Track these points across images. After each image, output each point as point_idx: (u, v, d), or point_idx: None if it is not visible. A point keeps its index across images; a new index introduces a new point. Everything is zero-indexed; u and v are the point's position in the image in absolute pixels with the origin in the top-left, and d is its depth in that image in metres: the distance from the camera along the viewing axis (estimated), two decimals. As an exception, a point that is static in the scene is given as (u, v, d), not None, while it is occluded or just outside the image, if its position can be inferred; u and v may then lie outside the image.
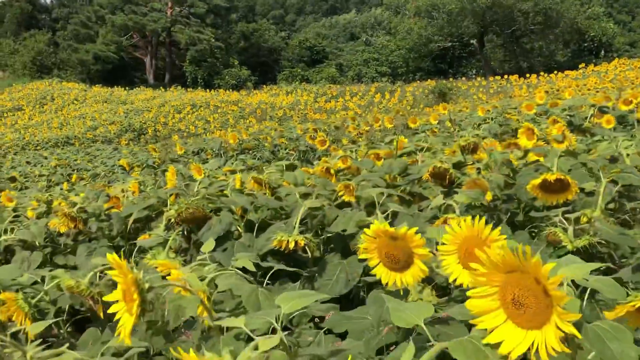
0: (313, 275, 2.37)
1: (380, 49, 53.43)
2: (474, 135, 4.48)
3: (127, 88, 45.36)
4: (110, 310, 1.11)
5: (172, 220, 2.63)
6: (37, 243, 3.21)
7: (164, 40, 57.99)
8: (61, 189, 4.96)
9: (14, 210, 3.79)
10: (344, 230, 2.49)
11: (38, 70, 55.00)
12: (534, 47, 46.06)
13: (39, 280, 2.33)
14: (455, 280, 1.36)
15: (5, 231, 3.59)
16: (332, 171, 3.49)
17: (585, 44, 44.85)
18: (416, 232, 1.33)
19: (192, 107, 31.45)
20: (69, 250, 3.20)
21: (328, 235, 2.54)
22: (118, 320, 1.84)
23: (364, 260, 2.28)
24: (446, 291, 1.93)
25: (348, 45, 63.89)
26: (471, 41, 45.71)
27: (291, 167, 4.30)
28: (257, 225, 2.84)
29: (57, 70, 55.30)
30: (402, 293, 1.41)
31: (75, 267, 3.02)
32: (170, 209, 2.64)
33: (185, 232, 2.76)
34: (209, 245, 1.67)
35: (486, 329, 0.90)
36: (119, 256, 1.17)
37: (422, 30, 45.93)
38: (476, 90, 28.86)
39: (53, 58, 56.65)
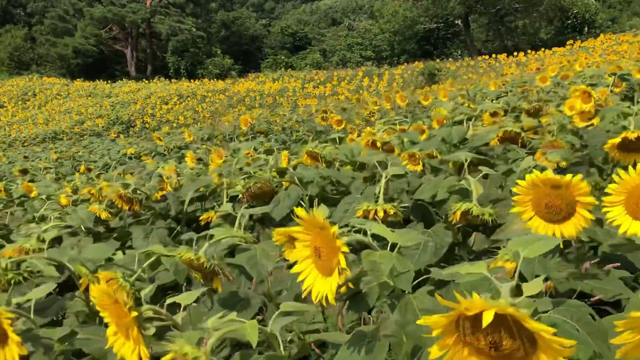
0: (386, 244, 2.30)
1: (363, 34, 53.14)
2: (496, 108, 4.43)
3: (109, 81, 44.68)
4: (293, 270, 1.02)
5: (240, 196, 2.54)
6: (82, 228, 3.10)
7: (144, 32, 57.02)
8: (89, 178, 4.82)
9: (48, 198, 3.66)
10: (419, 200, 2.43)
11: (16, 67, 53.93)
12: (517, 25, 46.05)
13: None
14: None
15: (42, 218, 3.48)
16: (378, 144, 3.41)
17: (569, 21, 44.95)
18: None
19: (179, 97, 31.08)
20: (114, 235, 3.09)
21: (404, 204, 2.46)
22: (226, 294, 1.74)
23: (451, 228, 2.23)
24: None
25: (330, 30, 63.30)
26: (456, 21, 45.57)
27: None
28: (316, 199, 2.77)
29: (36, 65, 54.30)
30: (562, 246, 1.33)
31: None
32: (237, 185, 2.54)
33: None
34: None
35: None
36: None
37: (407, 12, 45.63)
38: (465, 71, 28.88)
39: (31, 53, 55.55)
